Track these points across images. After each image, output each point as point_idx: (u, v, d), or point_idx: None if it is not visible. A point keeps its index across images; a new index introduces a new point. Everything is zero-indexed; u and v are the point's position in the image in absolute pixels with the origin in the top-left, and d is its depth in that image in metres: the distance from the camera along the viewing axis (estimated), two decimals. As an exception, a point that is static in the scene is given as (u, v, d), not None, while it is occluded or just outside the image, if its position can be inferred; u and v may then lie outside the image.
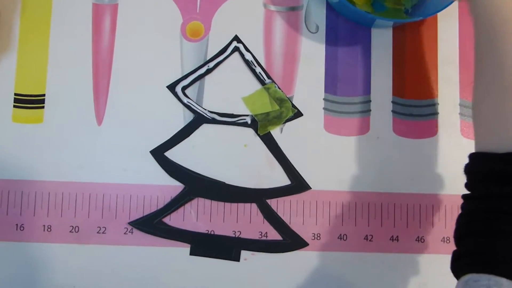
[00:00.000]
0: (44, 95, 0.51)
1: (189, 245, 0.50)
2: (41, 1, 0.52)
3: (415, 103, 0.52)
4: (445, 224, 0.51)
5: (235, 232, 0.50)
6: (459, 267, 0.35)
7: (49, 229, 0.49)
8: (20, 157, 0.50)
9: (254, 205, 0.50)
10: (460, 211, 0.38)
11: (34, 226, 0.49)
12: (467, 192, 0.38)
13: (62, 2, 0.52)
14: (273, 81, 0.51)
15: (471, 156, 0.38)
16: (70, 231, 0.49)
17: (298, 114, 0.51)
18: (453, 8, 0.52)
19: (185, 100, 0.51)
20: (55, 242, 0.49)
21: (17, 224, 0.49)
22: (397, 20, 0.50)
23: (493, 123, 0.37)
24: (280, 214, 0.50)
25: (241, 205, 0.50)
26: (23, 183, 0.50)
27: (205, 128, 0.51)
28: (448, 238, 0.51)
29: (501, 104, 0.36)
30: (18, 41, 0.51)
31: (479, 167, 0.37)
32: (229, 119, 0.51)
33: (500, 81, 0.36)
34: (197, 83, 0.51)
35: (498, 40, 0.37)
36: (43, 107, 0.50)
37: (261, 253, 0.50)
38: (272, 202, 0.50)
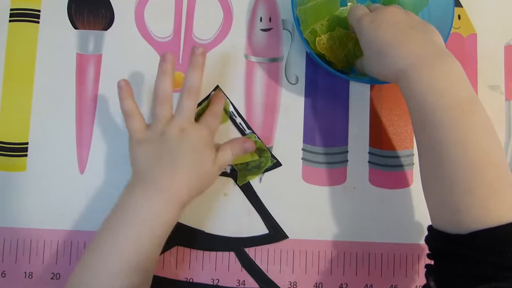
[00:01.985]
0: (27, 143, 0.51)
1: (168, 293, 0.51)
2: (25, 49, 0.53)
3: (391, 154, 0.54)
4: (418, 273, 0.52)
5: (213, 280, 0.51)
6: None
7: (30, 276, 0.50)
8: (3, 205, 0.51)
9: (232, 254, 0.52)
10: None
11: (16, 273, 0.50)
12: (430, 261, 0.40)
13: (46, 51, 0.53)
14: (253, 132, 0.53)
15: (430, 230, 0.40)
16: (51, 278, 0.50)
17: (277, 164, 0.53)
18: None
19: (166, 149, 0.52)
20: (37, 289, 0.50)
21: (-2, 271, 0.50)
22: (373, 83, 0.51)
23: (441, 209, 0.38)
24: (257, 262, 0.52)
25: (219, 253, 0.51)
26: (5, 230, 0.51)
27: (185, 177, 0.52)
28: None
29: (445, 196, 0.37)
30: (2, 89, 0.52)
31: (439, 244, 0.38)
32: (209, 169, 0.52)
33: (439, 173, 0.38)
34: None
35: (433, 131, 0.37)
36: (26, 155, 0.51)
37: (238, 300, 0.51)
38: (250, 251, 0.52)
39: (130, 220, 0.42)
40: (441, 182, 0.37)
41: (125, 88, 0.47)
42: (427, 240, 0.41)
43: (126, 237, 0.41)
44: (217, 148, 0.48)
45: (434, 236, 0.39)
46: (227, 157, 0.48)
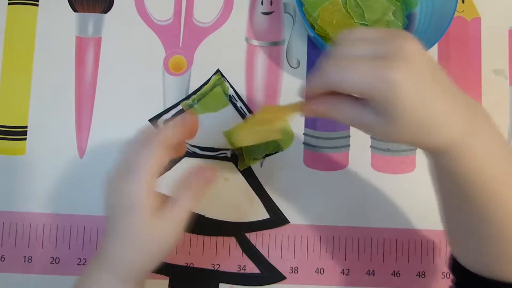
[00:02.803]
0: (26, 127, 0.51)
1: (167, 278, 0.50)
2: (24, 32, 0.52)
3: (393, 139, 0.53)
4: (420, 259, 0.52)
5: (214, 265, 0.51)
6: None
7: (29, 260, 0.50)
8: (2, 188, 0.50)
9: (233, 239, 0.51)
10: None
11: (15, 257, 0.50)
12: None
13: (46, 34, 0.52)
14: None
15: (457, 265, 0.39)
16: (51, 262, 0.50)
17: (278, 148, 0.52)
18: (433, 49, 0.53)
19: (166, 133, 0.51)
20: (36, 273, 0.50)
21: (-3, 255, 0.50)
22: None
23: (479, 258, 0.37)
24: (258, 247, 0.51)
25: (220, 238, 0.51)
26: (4, 214, 0.50)
27: (186, 161, 0.51)
28: (423, 273, 0.52)
29: (487, 251, 0.35)
30: (1, 72, 0.52)
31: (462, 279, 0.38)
32: (210, 153, 0.52)
33: (485, 234, 0.35)
34: (179, 117, 0.52)
35: (490, 200, 0.33)
36: (25, 138, 0.51)
37: (239, 286, 0.51)
38: (251, 236, 0.51)
39: None
40: (486, 241, 0.35)
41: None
42: (452, 271, 0.40)
43: None
44: (166, 200, 0.36)
45: (466, 275, 0.38)
46: (187, 206, 0.36)
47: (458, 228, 0.38)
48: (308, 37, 0.53)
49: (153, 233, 0.35)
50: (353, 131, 0.53)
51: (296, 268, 0.51)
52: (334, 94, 0.33)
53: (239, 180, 0.52)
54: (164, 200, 0.36)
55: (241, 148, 0.51)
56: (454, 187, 0.34)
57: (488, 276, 0.36)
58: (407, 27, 0.53)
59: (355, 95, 0.31)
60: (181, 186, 0.37)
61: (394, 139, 0.32)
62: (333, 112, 0.34)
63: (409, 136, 0.31)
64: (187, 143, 0.50)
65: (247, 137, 0.41)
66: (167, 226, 0.35)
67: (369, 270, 0.52)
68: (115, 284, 0.36)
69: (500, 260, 0.35)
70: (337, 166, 0.52)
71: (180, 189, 0.37)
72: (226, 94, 0.52)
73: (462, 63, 0.54)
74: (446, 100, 0.30)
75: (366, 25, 0.52)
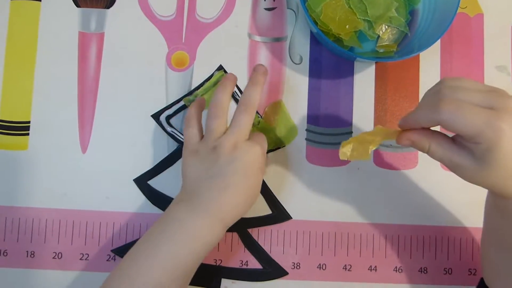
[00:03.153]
0: (29, 122, 0.51)
1: (170, 273, 0.50)
2: (27, 28, 0.52)
3: (396, 135, 0.53)
4: (422, 255, 0.52)
5: (216, 260, 0.51)
6: None
7: (32, 255, 0.50)
8: (4, 183, 0.50)
9: (235, 234, 0.51)
10: None
11: (17, 252, 0.50)
12: None
13: (48, 29, 0.52)
14: (256, 112, 0.52)
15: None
16: (53, 257, 0.50)
17: (280, 144, 0.52)
18: (436, 46, 0.53)
19: (169, 129, 0.51)
20: (38, 268, 0.50)
21: (0, 250, 0.50)
22: (381, 60, 0.51)
23: None
24: (260, 243, 0.51)
25: (222, 234, 0.51)
26: (6, 209, 0.50)
27: (188, 157, 0.51)
28: (425, 269, 0.52)
29: None
30: (4, 68, 0.52)
31: None
32: (212, 149, 0.52)
33: None
34: (181, 113, 0.52)
35: None
36: (28, 134, 0.51)
37: (241, 281, 0.51)
38: (253, 231, 0.51)
39: (172, 236, 0.40)
40: None
41: (197, 101, 0.47)
42: None
43: (165, 252, 0.40)
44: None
45: None
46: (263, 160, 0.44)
47: (501, 263, 0.41)
48: (311, 33, 0.53)
49: (258, 192, 0.44)
50: (355, 127, 0.53)
51: (298, 264, 0.51)
52: (428, 130, 0.37)
53: (242, 175, 0.52)
54: None
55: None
56: None
57: None
58: (410, 23, 0.53)
59: (461, 135, 0.34)
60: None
61: (480, 180, 0.35)
62: (431, 146, 0.37)
63: (496, 180, 0.34)
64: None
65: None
66: (261, 177, 0.44)
67: (371, 266, 0.52)
68: (215, 227, 0.41)
69: None
70: (340, 162, 0.52)
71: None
72: (228, 90, 0.52)
73: (465, 60, 0.54)
74: None
75: (369, 21, 0.52)
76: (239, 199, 0.42)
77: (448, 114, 0.33)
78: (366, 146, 0.40)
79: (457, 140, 0.36)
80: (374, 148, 0.40)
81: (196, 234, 0.41)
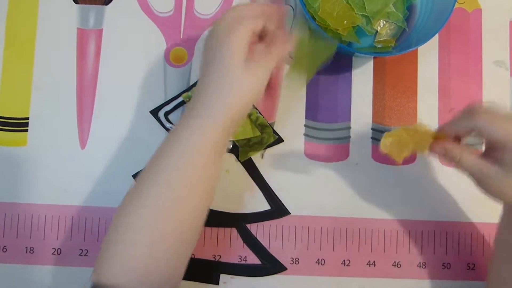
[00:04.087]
0: (28, 118, 0.51)
1: (169, 268, 0.50)
2: (26, 24, 0.52)
3: (394, 130, 0.53)
4: (421, 250, 0.52)
5: (215, 256, 0.51)
6: None
7: (31, 251, 0.50)
8: (3, 179, 0.51)
9: (234, 230, 0.51)
10: None
11: (17, 248, 0.50)
12: None
13: (47, 26, 0.52)
14: (254, 107, 0.52)
15: None
16: (53, 253, 0.50)
17: (279, 140, 0.52)
18: (434, 38, 0.53)
19: (167, 125, 0.52)
20: (38, 264, 0.50)
21: (-1, 246, 0.50)
22: (379, 54, 0.51)
23: None
24: (259, 238, 0.51)
25: (221, 229, 0.51)
26: (5, 205, 0.50)
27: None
28: (424, 264, 0.52)
29: None
30: (2, 64, 0.52)
31: None
32: (210, 145, 0.52)
33: None
34: (180, 109, 0.52)
35: None
36: (26, 130, 0.51)
37: (240, 276, 0.51)
38: (252, 227, 0.51)
39: (169, 147, 0.39)
40: None
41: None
42: None
43: (164, 165, 0.39)
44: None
45: None
46: (273, 59, 0.39)
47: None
48: (309, 28, 0.53)
49: (247, 77, 0.38)
50: (353, 122, 0.53)
51: (297, 259, 0.51)
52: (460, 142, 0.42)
53: (240, 171, 0.52)
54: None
55: (242, 140, 0.52)
56: None
57: None
58: (408, 18, 0.53)
59: (493, 141, 0.39)
60: (273, 44, 0.40)
61: (506, 190, 0.39)
62: (463, 156, 0.40)
63: None
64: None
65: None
66: (258, 71, 0.38)
67: (369, 261, 0.52)
68: (216, 128, 0.38)
69: None
70: (338, 157, 0.52)
71: (272, 44, 0.40)
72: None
73: (463, 55, 0.54)
74: None
75: (367, 16, 0.52)
76: (215, 91, 0.38)
77: (484, 121, 0.38)
78: (401, 149, 0.42)
79: (486, 154, 0.40)
80: (406, 156, 0.42)
81: (187, 137, 0.39)
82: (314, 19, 0.51)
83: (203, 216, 0.41)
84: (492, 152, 0.39)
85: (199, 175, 0.39)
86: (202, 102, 0.39)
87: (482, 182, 0.40)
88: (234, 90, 0.38)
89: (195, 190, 0.39)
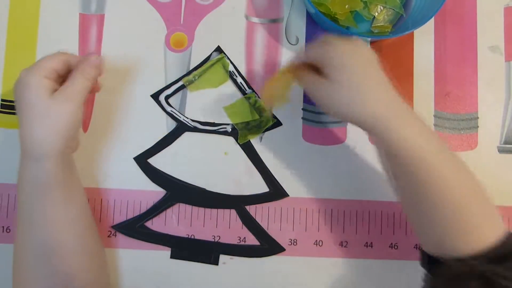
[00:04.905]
0: (31, 102, 0.52)
1: (169, 249, 0.51)
2: (29, 9, 0.53)
3: (391, 114, 0.54)
4: (417, 232, 0.53)
5: (214, 236, 0.52)
6: None
7: (34, 232, 0.51)
8: (7, 161, 0.51)
9: (233, 211, 0.52)
10: None
11: (20, 228, 0.51)
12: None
13: (49, 11, 0.53)
14: (253, 91, 0.53)
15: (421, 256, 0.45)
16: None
17: (277, 123, 0.53)
18: (429, 23, 0.54)
19: (168, 108, 0.52)
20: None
21: (3, 227, 0.51)
22: (375, 37, 0.52)
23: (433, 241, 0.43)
24: (258, 220, 0.52)
25: (220, 211, 0.52)
26: (9, 187, 0.51)
27: (187, 136, 0.52)
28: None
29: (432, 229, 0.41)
30: (5, 48, 0.53)
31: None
32: (210, 128, 0.53)
33: (423, 210, 0.41)
34: (180, 92, 0.53)
35: (419, 175, 0.40)
36: (30, 113, 0.52)
37: (239, 257, 0.52)
38: (251, 209, 0.52)
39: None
40: (425, 217, 0.41)
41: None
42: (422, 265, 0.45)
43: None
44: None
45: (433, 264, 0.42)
46: (77, 85, 0.42)
47: (410, 211, 0.44)
48: (307, 14, 0.54)
49: (51, 108, 0.41)
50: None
51: (295, 240, 0.52)
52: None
53: (239, 154, 0.53)
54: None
55: (241, 123, 0.52)
56: (391, 160, 0.42)
57: (445, 256, 0.40)
58: (405, 5, 0.54)
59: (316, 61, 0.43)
60: (74, 71, 0.43)
61: (330, 103, 0.41)
62: (303, 75, 0.44)
63: (344, 107, 0.40)
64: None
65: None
66: (63, 101, 0.42)
67: (367, 243, 0.53)
68: (31, 164, 0.42)
69: (449, 233, 0.40)
70: (336, 140, 0.53)
71: (73, 73, 0.43)
72: (226, 70, 0.53)
73: (458, 40, 0.55)
74: (376, 83, 0.41)
75: (365, 1, 0.53)
76: (28, 130, 0.42)
77: (314, 47, 0.43)
78: (277, 94, 0.48)
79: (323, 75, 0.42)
80: (284, 95, 0.48)
81: (20, 174, 0.44)
82: (313, 4, 0.52)
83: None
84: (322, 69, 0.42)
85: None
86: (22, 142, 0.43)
87: (315, 97, 0.43)
88: (44, 120, 0.41)
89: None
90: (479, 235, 0.39)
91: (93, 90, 0.48)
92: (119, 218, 0.51)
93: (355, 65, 0.40)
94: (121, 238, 0.51)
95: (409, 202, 0.43)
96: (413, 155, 0.39)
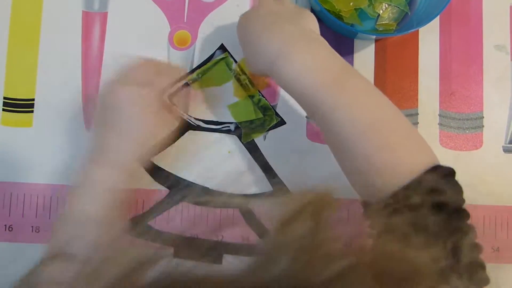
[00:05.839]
0: (33, 99, 0.52)
1: (172, 248, 0.51)
2: (31, 6, 0.53)
3: (395, 113, 0.54)
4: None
5: (218, 236, 0.51)
6: None
7: (37, 230, 0.51)
8: (9, 160, 0.51)
9: (236, 210, 0.52)
10: None
11: (23, 227, 0.51)
12: None
13: (52, 8, 0.53)
14: (258, 90, 0.53)
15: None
16: (58, 232, 0.51)
17: (281, 122, 0.53)
18: (435, 21, 0.54)
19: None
20: (43, 243, 0.50)
21: (5, 225, 0.51)
22: (379, 35, 0.51)
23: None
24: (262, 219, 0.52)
25: (224, 210, 0.52)
26: (12, 185, 0.51)
27: (190, 134, 0.52)
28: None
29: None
30: (8, 45, 0.52)
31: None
32: (214, 126, 0.52)
33: (340, 148, 0.41)
34: (183, 91, 0.53)
35: (319, 111, 0.39)
36: (32, 111, 0.52)
37: (243, 256, 0.51)
38: (255, 207, 0.52)
39: (79, 190, 0.43)
40: (341, 161, 0.42)
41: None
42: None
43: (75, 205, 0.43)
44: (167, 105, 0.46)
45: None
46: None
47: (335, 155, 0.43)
48: (312, 11, 0.54)
49: (158, 132, 0.44)
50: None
51: (298, 240, 0.52)
52: None
53: (243, 152, 0.52)
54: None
55: (245, 121, 0.52)
56: (296, 100, 0.41)
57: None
58: (410, 3, 0.54)
59: None
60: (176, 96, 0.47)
61: (250, 68, 0.45)
62: None
63: (251, 63, 0.43)
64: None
65: None
66: (157, 120, 0.44)
67: (370, 242, 0.52)
68: (114, 174, 0.42)
69: (360, 175, 0.40)
70: (340, 139, 0.53)
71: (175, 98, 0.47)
72: (230, 68, 0.53)
73: (464, 39, 0.55)
74: (266, 28, 0.40)
75: (370, -2, 0.53)
76: (125, 142, 0.42)
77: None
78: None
79: None
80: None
81: (95, 181, 0.42)
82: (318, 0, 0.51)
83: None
84: None
85: None
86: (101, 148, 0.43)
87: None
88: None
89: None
90: (395, 172, 0.37)
91: None
92: (122, 217, 0.51)
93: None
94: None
95: (328, 143, 0.43)
96: (304, 92, 0.39)
